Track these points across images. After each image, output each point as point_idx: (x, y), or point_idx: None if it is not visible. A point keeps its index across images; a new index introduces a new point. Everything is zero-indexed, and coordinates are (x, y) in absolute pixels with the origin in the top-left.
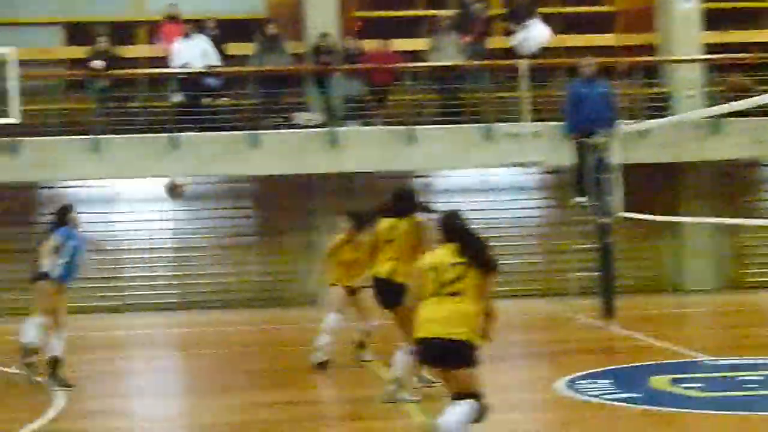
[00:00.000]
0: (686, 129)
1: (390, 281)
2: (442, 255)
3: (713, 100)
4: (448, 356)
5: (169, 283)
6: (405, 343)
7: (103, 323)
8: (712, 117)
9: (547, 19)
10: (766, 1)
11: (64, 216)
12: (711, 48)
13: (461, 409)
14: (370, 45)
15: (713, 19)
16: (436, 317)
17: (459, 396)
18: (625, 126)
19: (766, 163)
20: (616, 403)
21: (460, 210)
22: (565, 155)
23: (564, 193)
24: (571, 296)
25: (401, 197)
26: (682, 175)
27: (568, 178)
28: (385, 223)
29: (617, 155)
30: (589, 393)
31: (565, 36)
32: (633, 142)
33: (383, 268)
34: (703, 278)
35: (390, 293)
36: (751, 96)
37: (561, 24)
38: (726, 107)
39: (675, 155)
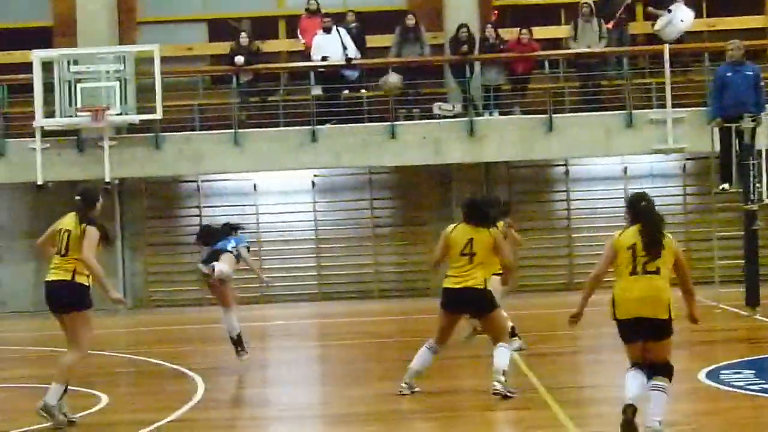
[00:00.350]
0: None
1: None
2: (633, 235)
3: None
4: (655, 331)
5: (308, 275)
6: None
7: (242, 315)
8: None
9: (691, 2)
10: None
11: (234, 229)
12: None
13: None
14: (509, 34)
15: None
16: (642, 296)
17: (657, 365)
18: None
19: None
20: (760, 393)
21: (646, 193)
22: (707, 141)
23: (708, 179)
24: (716, 285)
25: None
26: None
27: (712, 165)
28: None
29: (764, 140)
30: (732, 383)
31: (710, 19)
32: None
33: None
34: None
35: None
36: None
37: (706, 7)
38: None
39: None
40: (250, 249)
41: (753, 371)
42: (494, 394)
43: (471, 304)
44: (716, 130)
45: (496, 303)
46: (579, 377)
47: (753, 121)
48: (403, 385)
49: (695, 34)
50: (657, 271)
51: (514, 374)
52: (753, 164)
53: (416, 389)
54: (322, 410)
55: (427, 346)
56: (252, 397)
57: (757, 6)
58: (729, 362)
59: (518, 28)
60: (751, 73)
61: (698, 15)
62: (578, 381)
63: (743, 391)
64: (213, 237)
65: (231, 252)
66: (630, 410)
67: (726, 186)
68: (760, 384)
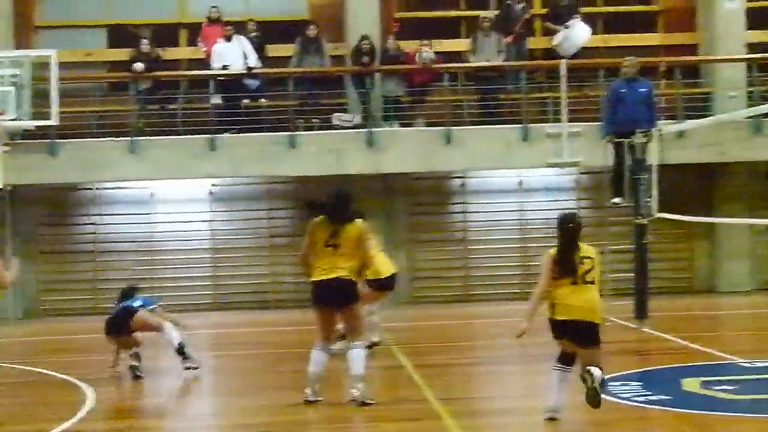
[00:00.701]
0: (727, 129)
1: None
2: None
3: (756, 100)
4: (589, 336)
5: (204, 284)
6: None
7: None
8: (753, 117)
9: (588, 18)
10: None
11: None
12: (754, 47)
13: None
14: (410, 46)
15: (757, 18)
16: (579, 304)
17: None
18: (665, 126)
19: None
20: (647, 405)
21: (574, 214)
22: (602, 156)
23: (601, 193)
24: (606, 297)
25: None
26: (720, 176)
27: (605, 179)
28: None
29: (655, 156)
30: (620, 395)
31: (606, 36)
32: (672, 142)
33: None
34: (738, 280)
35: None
36: None
37: (603, 24)
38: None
39: (714, 156)
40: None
41: (640, 383)
42: (352, 401)
43: (338, 294)
44: (610, 144)
45: (359, 296)
46: (472, 388)
47: (645, 136)
48: (308, 391)
49: (592, 50)
50: (593, 282)
51: (407, 386)
52: (644, 179)
53: (320, 398)
54: (215, 420)
55: (316, 348)
56: (144, 407)
57: (651, 24)
58: (617, 374)
59: (419, 40)
60: (645, 89)
61: (595, 32)
62: (471, 392)
63: (629, 403)
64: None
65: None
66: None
67: (618, 200)
68: (645, 396)
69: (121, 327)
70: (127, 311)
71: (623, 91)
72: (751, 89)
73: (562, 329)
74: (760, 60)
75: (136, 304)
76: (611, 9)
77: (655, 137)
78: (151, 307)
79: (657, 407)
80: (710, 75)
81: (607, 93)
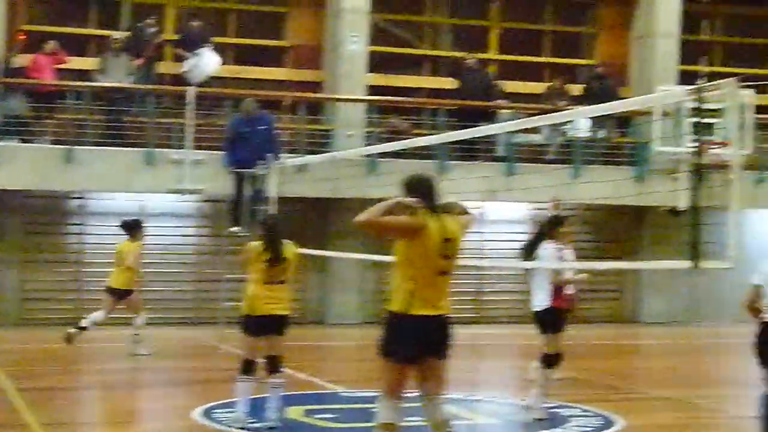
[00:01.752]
0: (344, 166)
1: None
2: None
3: (373, 140)
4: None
5: None
6: None
7: None
8: (369, 156)
9: (219, 48)
10: (427, 49)
11: None
12: (375, 90)
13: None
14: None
15: (377, 61)
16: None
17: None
18: (285, 160)
19: None
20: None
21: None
22: (224, 184)
23: (220, 222)
24: (221, 325)
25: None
26: (334, 211)
27: (226, 208)
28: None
29: (275, 188)
30: (225, 422)
31: (236, 67)
32: (292, 175)
33: None
34: (347, 312)
35: None
36: (407, 138)
37: (233, 54)
38: (382, 147)
39: (331, 191)
40: None
41: (246, 410)
42: None
43: None
44: (231, 175)
45: None
46: (78, 413)
47: (265, 169)
48: None
49: (221, 79)
50: (285, 281)
51: (6, 411)
52: (263, 209)
53: None
54: None
55: None
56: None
57: (280, 59)
58: (224, 401)
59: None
60: (266, 126)
61: (225, 62)
62: (78, 417)
63: (235, 430)
64: None
65: None
66: None
67: (236, 229)
68: (252, 423)
69: None
70: None
71: (243, 128)
72: (369, 129)
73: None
74: (379, 102)
75: None
76: (242, 41)
77: (276, 170)
78: None
79: None
80: (332, 113)
81: (227, 130)
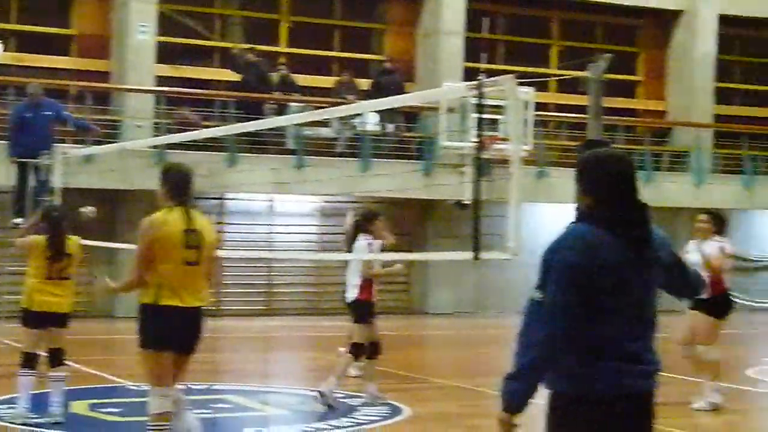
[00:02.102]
0: (131, 157)
1: None
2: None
3: (162, 131)
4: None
5: None
6: None
7: None
8: (157, 147)
9: (1, 35)
10: (218, 41)
11: None
12: (164, 81)
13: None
14: None
15: (165, 53)
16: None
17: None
18: (71, 150)
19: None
20: (35, 429)
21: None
22: (7, 175)
23: (4, 213)
24: (2, 320)
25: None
26: (123, 203)
27: (9, 199)
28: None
29: (59, 178)
30: (5, 418)
31: (19, 54)
32: (78, 166)
33: None
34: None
35: None
36: (197, 130)
37: (16, 41)
38: (171, 138)
39: (119, 183)
40: None
41: (29, 406)
42: None
43: None
44: (14, 165)
45: None
46: None
47: (49, 159)
48: None
49: (3, 67)
50: (69, 277)
51: None
52: (47, 200)
53: None
54: None
55: None
56: None
57: (65, 48)
58: (5, 396)
59: None
60: (51, 112)
61: (7, 49)
62: None
63: (10, 425)
64: None
65: None
66: None
67: (20, 220)
68: (35, 419)
69: None
70: None
71: (27, 115)
72: (157, 121)
73: None
74: (168, 93)
75: None
76: (25, 28)
77: (61, 160)
78: None
79: (45, 431)
80: (121, 103)
81: (11, 117)
